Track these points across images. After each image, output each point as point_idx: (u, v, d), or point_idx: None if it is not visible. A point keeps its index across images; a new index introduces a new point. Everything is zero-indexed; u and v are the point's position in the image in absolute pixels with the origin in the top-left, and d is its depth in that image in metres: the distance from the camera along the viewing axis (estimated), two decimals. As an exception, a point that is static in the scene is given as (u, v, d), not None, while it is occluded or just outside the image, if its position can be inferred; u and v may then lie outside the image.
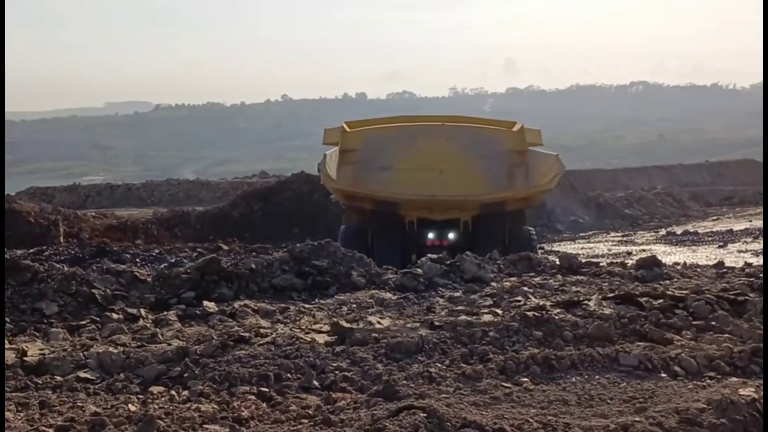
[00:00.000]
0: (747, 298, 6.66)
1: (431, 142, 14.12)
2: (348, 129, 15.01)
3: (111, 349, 5.51)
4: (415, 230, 13.06)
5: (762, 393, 4.36)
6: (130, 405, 4.39)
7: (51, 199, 31.61)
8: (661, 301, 6.57)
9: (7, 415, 4.27)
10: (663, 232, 23.15)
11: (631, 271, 8.70)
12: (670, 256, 16.15)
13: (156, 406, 4.40)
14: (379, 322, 6.20)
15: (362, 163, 13.58)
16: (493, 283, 8.02)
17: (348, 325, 5.99)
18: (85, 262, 10.36)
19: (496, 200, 13.26)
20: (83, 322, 6.40)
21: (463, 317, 6.20)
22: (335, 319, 6.32)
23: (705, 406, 4.16)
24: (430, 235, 12.84)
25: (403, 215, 13.24)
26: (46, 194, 34.46)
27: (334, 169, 13.04)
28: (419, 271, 8.23)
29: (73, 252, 13.65)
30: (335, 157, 13.23)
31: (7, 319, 6.42)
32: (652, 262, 8.88)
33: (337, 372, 5.02)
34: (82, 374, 5.03)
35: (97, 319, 6.50)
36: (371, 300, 7.24)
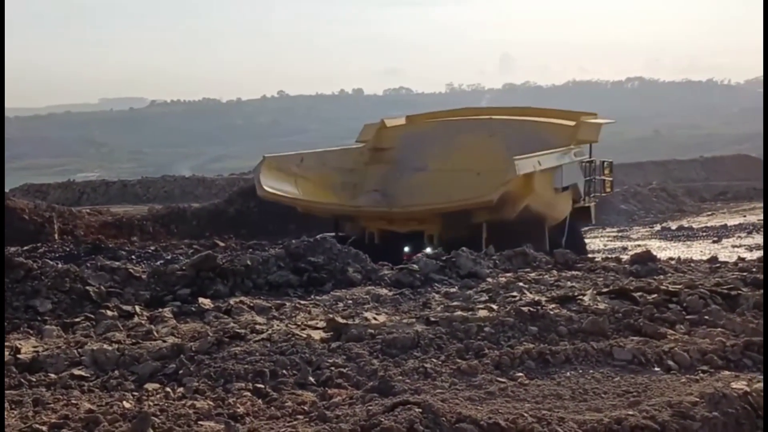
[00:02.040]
0: (740, 292, 6.69)
1: (472, 139, 13.85)
2: (387, 125, 14.81)
3: (105, 346, 5.50)
4: (376, 243, 12.19)
5: (754, 386, 4.39)
6: (124, 402, 4.39)
7: (45, 196, 31.51)
8: (655, 295, 6.60)
9: (1, 412, 4.27)
10: (658, 227, 23.20)
11: (626, 266, 8.73)
12: (665, 251, 16.22)
13: (151, 403, 4.40)
14: (375, 318, 6.20)
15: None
16: (489, 279, 8.04)
17: (344, 321, 6.00)
18: (80, 259, 10.34)
19: (455, 209, 12.16)
20: (77, 320, 6.39)
21: (459, 313, 6.21)
22: (331, 315, 6.32)
23: (698, 399, 4.18)
24: (406, 249, 11.59)
25: (364, 227, 12.73)
26: (41, 191, 34.32)
27: (267, 178, 12.48)
28: (415, 267, 8.24)
29: (67, 249, 13.60)
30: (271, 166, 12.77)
31: (1, 316, 6.41)
32: (646, 257, 8.92)
33: (332, 368, 5.02)
34: (76, 372, 5.03)
35: (92, 316, 6.49)
36: (367, 296, 7.25)
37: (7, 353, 5.36)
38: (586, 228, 23.49)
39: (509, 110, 16.04)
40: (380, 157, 14.57)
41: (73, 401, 4.48)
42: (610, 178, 15.38)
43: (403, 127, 15.17)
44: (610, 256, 12.68)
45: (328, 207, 13.24)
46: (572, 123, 14.30)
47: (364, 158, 14.62)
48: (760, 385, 4.41)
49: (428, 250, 11.12)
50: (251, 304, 6.86)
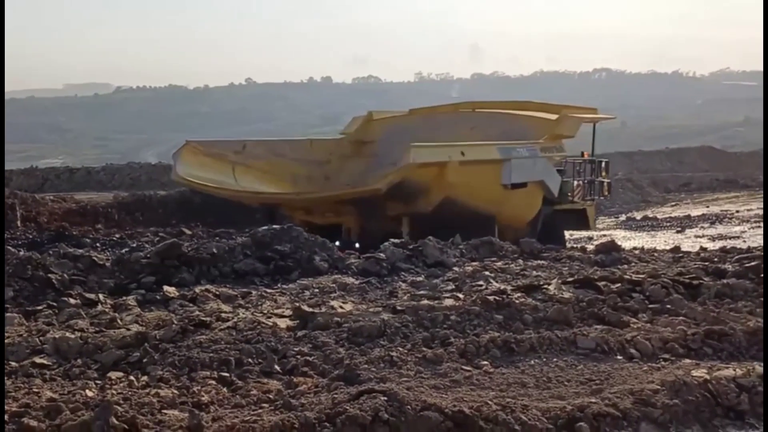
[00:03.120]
0: (702, 281, 6.82)
1: (452, 133, 13.60)
2: (374, 118, 14.65)
3: (68, 334, 5.43)
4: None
5: (714, 374, 4.48)
6: (87, 391, 4.33)
7: (8, 183, 30.89)
8: (619, 285, 6.70)
9: (-39, 401, 4.19)
10: (623, 217, 23.54)
11: (591, 255, 8.84)
12: (630, 240, 16.45)
13: (114, 392, 4.35)
14: (341, 307, 6.20)
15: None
16: (456, 268, 8.08)
17: (310, 310, 5.99)
18: (43, 247, 10.16)
19: (347, 197, 11.94)
20: (39, 307, 6.29)
21: (425, 301, 6.24)
22: (297, 304, 6.31)
23: (659, 387, 4.26)
24: (337, 243, 10.43)
25: (288, 216, 12.61)
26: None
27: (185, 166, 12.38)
28: (382, 255, 8.26)
29: (30, 236, 13.38)
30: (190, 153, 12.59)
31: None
32: (611, 247, 9.04)
33: (298, 356, 5.02)
34: (38, 360, 4.95)
35: (54, 304, 6.40)
36: (334, 285, 7.24)
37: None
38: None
39: (509, 104, 15.87)
40: (361, 150, 14.44)
41: (35, 390, 4.41)
42: (608, 180, 15.01)
43: (388, 121, 14.97)
44: (575, 245, 12.84)
45: (238, 195, 13.01)
46: (554, 117, 14.05)
47: (344, 150, 14.52)
48: (720, 372, 4.51)
49: (357, 245, 11.02)
50: (217, 293, 6.82)
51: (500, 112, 14.92)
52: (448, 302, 6.21)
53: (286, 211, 12.80)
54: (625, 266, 8.11)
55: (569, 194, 13.92)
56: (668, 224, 20.44)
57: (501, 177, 12.47)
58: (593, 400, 4.11)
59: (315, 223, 12.20)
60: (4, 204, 9.03)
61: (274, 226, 8.70)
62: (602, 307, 6.07)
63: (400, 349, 5.17)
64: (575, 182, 14.07)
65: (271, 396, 4.30)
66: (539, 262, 8.55)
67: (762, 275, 6.82)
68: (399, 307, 6.06)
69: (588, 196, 14.41)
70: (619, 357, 5.08)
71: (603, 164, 14.80)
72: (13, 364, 4.89)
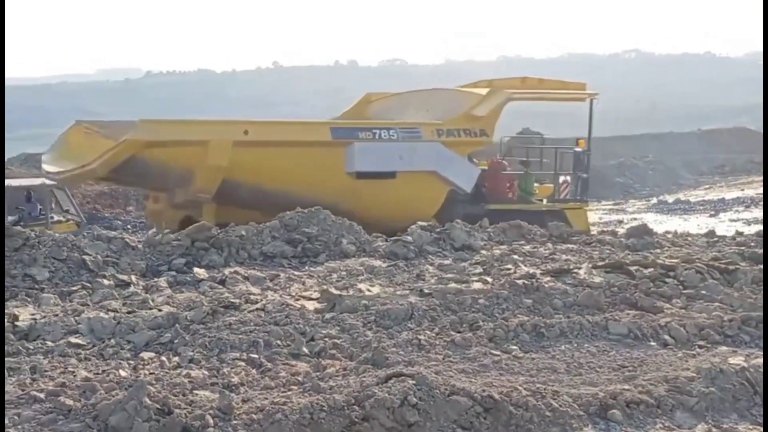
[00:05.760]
0: (738, 267, 6.70)
1: (413, 112, 12.58)
2: (370, 99, 13.90)
3: (102, 314, 5.51)
4: None
5: (752, 362, 4.39)
6: (120, 371, 4.39)
7: (40, 166, 31.22)
8: (652, 269, 6.61)
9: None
10: (654, 200, 23.22)
11: (622, 239, 8.73)
12: (662, 224, 16.21)
13: (146, 372, 4.41)
14: (368, 290, 6.21)
15: None
16: (483, 251, 8.04)
17: (338, 293, 6.00)
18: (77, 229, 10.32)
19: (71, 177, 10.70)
20: (74, 288, 6.39)
21: (453, 285, 6.22)
22: (325, 287, 6.32)
23: (694, 374, 4.19)
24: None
25: None
26: (37, 161, 34.01)
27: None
28: (409, 239, 8.23)
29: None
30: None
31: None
32: (643, 231, 8.92)
33: (326, 339, 5.03)
34: (73, 339, 5.03)
35: (89, 284, 6.49)
36: (361, 267, 7.24)
37: (5, 321, 5.36)
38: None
39: (508, 81, 14.95)
40: None
41: (70, 369, 4.49)
42: (584, 175, 12.60)
43: (379, 101, 13.99)
44: (605, 229, 12.62)
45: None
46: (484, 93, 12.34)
47: None
48: (758, 360, 4.42)
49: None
50: (246, 275, 6.86)
51: (453, 90, 13.27)
52: (476, 286, 6.18)
53: None
54: (658, 251, 8.00)
55: (532, 192, 12.27)
56: (701, 207, 20.11)
57: (346, 164, 10.98)
58: (626, 387, 4.06)
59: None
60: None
61: (302, 209, 8.61)
62: (634, 292, 6.00)
63: (428, 332, 5.16)
64: (563, 178, 12.45)
65: (299, 378, 4.32)
66: (569, 246, 8.47)
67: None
68: (426, 291, 6.05)
69: (577, 195, 12.54)
70: (652, 343, 5.02)
71: (582, 156, 12.56)
72: (50, 343, 4.97)
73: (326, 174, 10.90)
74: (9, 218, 12.58)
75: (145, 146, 10.26)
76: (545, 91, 13.10)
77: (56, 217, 11.33)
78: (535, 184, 12.75)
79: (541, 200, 12.50)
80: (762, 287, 6.13)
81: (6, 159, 27.62)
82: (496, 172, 12.21)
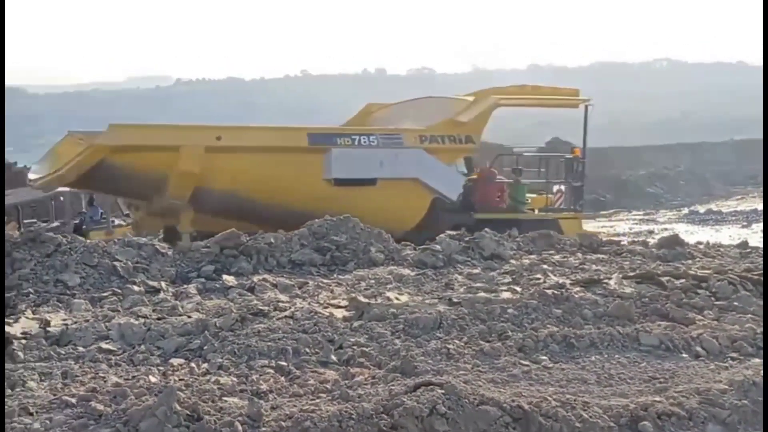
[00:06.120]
0: (771, 278, 6.58)
1: (408, 121, 12.31)
2: (371, 108, 13.84)
3: (132, 320, 5.56)
4: None
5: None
6: (150, 376, 4.43)
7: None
8: (683, 280, 6.52)
9: (31, 384, 4.33)
10: (686, 210, 22.99)
11: (653, 250, 8.62)
12: (693, 235, 16.00)
13: (176, 378, 4.44)
14: (397, 298, 6.20)
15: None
16: (512, 261, 7.99)
17: (366, 301, 6.00)
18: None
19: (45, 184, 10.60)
20: (105, 294, 6.46)
21: (482, 294, 6.19)
22: (353, 295, 6.33)
23: (727, 387, 4.12)
24: None
25: None
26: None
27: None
28: (438, 247, 8.21)
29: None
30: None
31: (30, 289, 6.50)
32: (674, 241, 8.81)
33: (355, 347, 5.03)
34: (104, 345, 5.09)
35: (119, 291, 6.57)
36: (390, 276, 7.24)
37: (37, 326, 5.44)
38: (611, 211, 22.84)
39: (508, 89, 13.55)
40: None
41: (101, 374, 4.54)
42: (578, 184, 12.25)
43: (379, 112, 13.83)
44: (636, 239, 12.50)
45: None
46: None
47: None
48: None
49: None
50: (274, 282, 6.89)
51: (445, 98, 13.14)
52: (505, 295, 6.14)
53: None
54: (690, 261, 7.89)
55: (524, 201, 11.95)
56: (734, 218, 19.85)
57: (324, 170, 10.72)
58: (657, 399, 4.00)
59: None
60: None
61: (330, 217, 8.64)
62: (666, 303, 5.92)
63: (457, 341, 5.13)
64: (557, 187, 12.20)
65: (328, 386, 4.32)
66: (599, 255, 8.39)
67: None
68: (455, 300, 6.02)
69: (572, 204, 12.17)
70: (684, 355, 4.94)
71: (576, 164, 12.18)
72: (81, 348, 5.03)
73: (303, 181, 10.73)
74: (72, 222, 12.75)
75: (114, 151, 10.11)
76: (535, 97, 12.79)
77: (116, 221, 11.47)
78: (533, 195, 12.47)
79: (533, 210, 12.20)
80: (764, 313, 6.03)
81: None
82: (486, 181, 11.94)
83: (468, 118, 11.54)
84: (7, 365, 4.66)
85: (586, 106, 12.16)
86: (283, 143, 10.88)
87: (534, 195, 12.53)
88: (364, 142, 10.99)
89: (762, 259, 7.78)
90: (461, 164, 12.23)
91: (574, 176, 12.19)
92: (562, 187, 12.36)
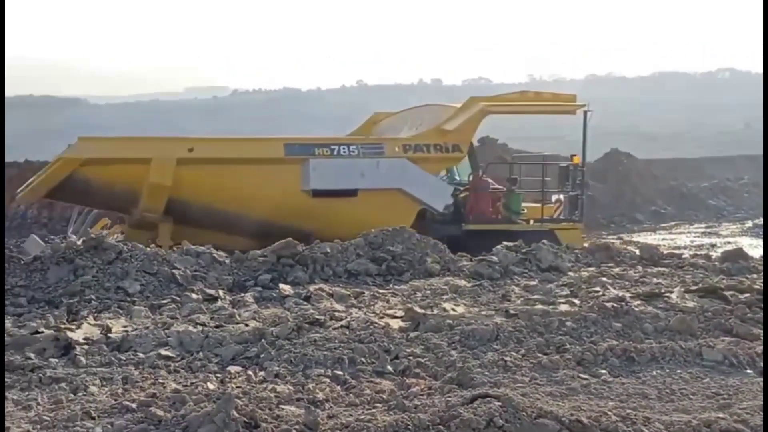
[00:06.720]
0: (841, 294, 6.34)
1: (407, 129, 12.04)
2: (378, 117, 13.58)
3: (191, 328, 5.66)
4: None
5: None
6: (208, 383, 4.50)
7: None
8: (748, 295, 6.34)
9: (92, 389, 4.44)
10: (749, 224, 22.30)
11: (716, 263, 8.41)
12: (757, 249, 15.47)
13: (234, 385, 4.50)
14: (453, 309, 6.17)
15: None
16: (571, 273, 7.88)
17: (422, 311, 5.98)
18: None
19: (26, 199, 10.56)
20: (164, 301, 6.59)
21: (540, 306, 6.11)
22: (409, 305, 6.32)
23: (794, 405, 3.98)
24: None
25: None
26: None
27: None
28: (495, 258, 8.15)
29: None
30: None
31: (92, 296, 6.67)
32: (738, 255, 8.57)
33: (410, 357, 5.02)
34: (163, 352, 5.18)
35: (178, 298, 6.69)
36: (446, 287, 7.21)
37: (98, 332, 5.58)
38: (672, 223, 22.36)
39: (508, 97, 12.92)
40: None
41: (161, 380, 4.62)
42: (559, 196, 11.73)
43: (383, 121, 13.55)
44: (698, 252, 12.18)
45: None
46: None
47: None
48: None
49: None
50: (330, 292, 6.92)
51: (440, 106, 12.61)
52: (563, 308, 6.05)
53: None
54: (754, 276, 7.66)
55: (518, 211, 11.43)
56: (800, 232, 19.14)
57: (302, 181, 10.40)
58: (721, 416, 3.89)
59: None
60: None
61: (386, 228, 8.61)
62: (729, 318, 5.75)
63: (514, 354, 5.08)
64: (556, 197, 11.67)
65: (384, 396, 4.32)
66: (660, 269, 8.20)
67: None
68: (512, 311, 5.96)
69: (572, 214, 11.56)
70: (748, 371, 4.80)
71: (574, 172, 11.50)
72: (141, 355, 5.14)
73: (280, 192, 10.48)
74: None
75: (84, 164, 10.09)
76: (526, 103, 12.19)
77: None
78: (536, 204, 11.93)
79: (528, 221, 11.69)
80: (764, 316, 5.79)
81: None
82: (478, 191, 11.52)
83: (454, 126, 11.20)
84: (70, 370, 4.80)
85: (585, 113, 11.54)
86: (258, 154, 10.77)
87: (534, 204, 12.00)
88: (344, 152, 10.77)
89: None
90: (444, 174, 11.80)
91: (573, 185, 11.71)
92: (562, 197, 11.88)
